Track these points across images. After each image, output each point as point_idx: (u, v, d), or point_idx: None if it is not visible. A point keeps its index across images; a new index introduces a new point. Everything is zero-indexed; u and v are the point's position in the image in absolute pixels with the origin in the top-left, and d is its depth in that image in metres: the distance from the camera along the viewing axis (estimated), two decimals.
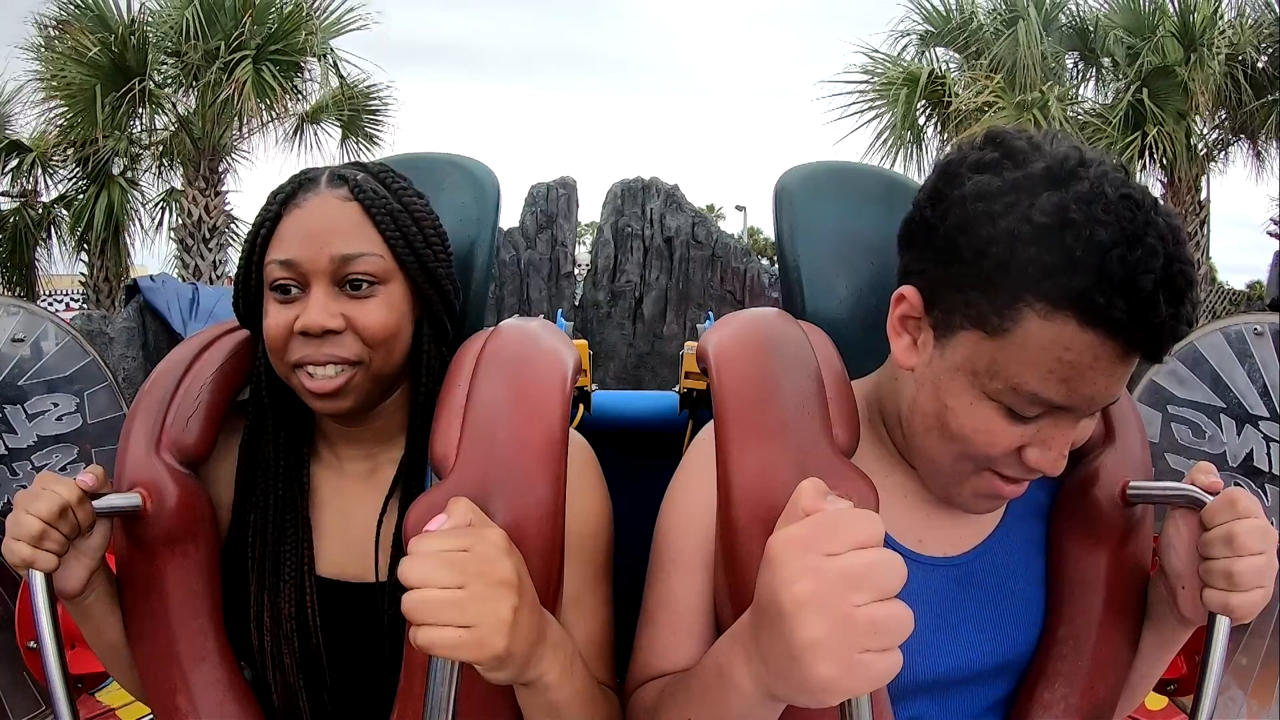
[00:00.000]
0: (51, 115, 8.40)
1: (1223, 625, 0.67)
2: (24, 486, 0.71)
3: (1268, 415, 1.26)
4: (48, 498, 0.69)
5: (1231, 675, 1.18)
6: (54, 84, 8.13)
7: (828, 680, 0.49)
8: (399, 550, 0.79)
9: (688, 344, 1.24)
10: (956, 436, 0.68)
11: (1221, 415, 1.29)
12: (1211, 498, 0.68)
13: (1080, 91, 8.92)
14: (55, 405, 1.29)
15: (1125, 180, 0.62)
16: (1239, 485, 1.26)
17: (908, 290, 0.71)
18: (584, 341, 1.24)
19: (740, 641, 0.58)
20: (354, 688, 0.81)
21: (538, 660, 0.61)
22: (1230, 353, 1.28)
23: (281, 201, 0.80)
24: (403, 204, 0.83)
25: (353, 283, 0.78)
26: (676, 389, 1.34)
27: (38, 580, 0.68)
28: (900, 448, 0.79)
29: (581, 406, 1.31)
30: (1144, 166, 7.99)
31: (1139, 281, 0.58)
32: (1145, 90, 7.86)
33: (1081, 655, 0.76)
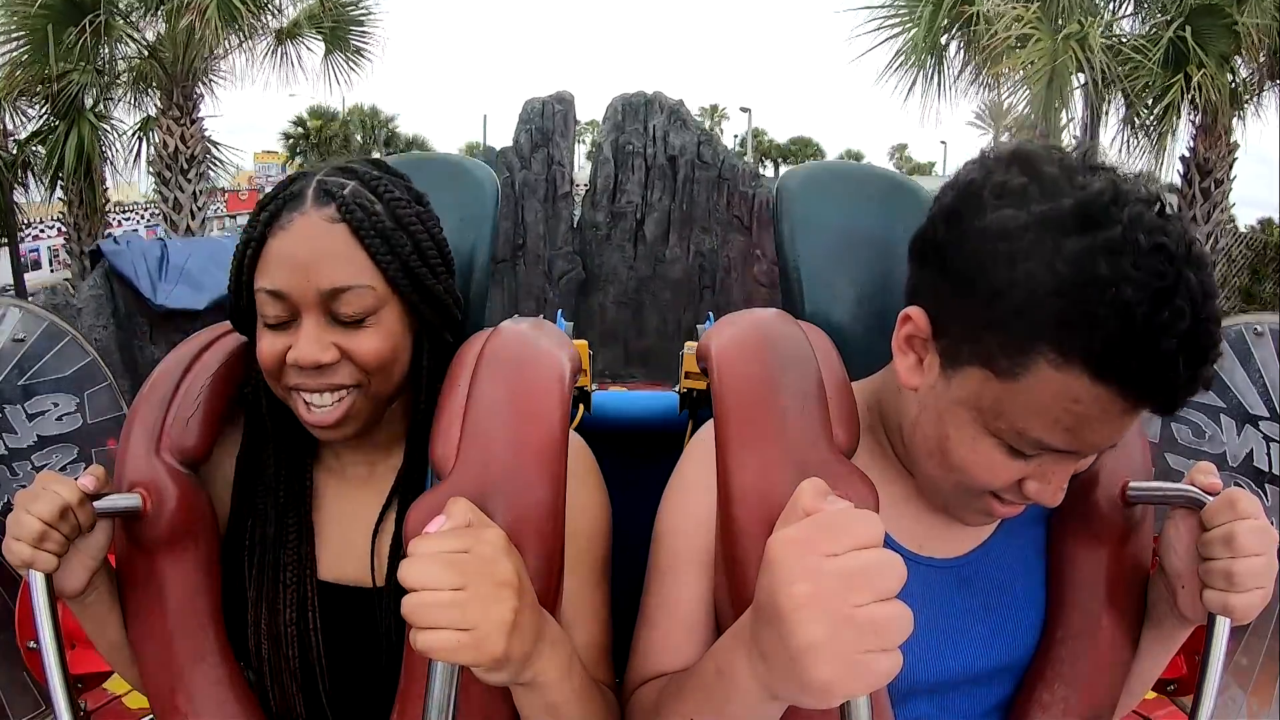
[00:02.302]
0: (14, 55, 7.64)
1: (1222, 626, 0.67)
2: (24, 486, 0.71)
3: (1268, 415, 1.26)
4: (48, 498, 0.69)
5: (1231, 675, 1.18)
6: (13, 23, 7.47)
7: (827, 681, 0.49)
8: (398, 555, 0.79)
9: (688, 344, 1.24)
10: (956, 467, 0.68)
11: (1221, 415, 1.29)
12: (1211, 498, 0.68)
13: (1120, 25, 7.90)
14: (55, 405, 1.29)
15: (1159, 223, 0.57)
16: (1239, 485, 1.26)
17: (915, 312, 0.68)
18: (584, 341, 1.24)
19: (741, 641, 0.58)
20: (351, 692, 0.81)
21: (536, 661, 0.61)
22: (1230, 353, 1.27)
23: (266, 222, 0.76)
24: (396, 218, 0.78)
25: (347, 317, 0.75)
26: (676, 389, 1.34)
27: (38, 580, 0.68)
28: (900, 454, 0.79)
29: (581, 407, 1.31)
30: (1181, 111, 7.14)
31: (1161, 344, 0.56)
32: (1188, 28, 6.84)
33: (1081, 656, 0.76)
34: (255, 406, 0.84)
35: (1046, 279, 0.58)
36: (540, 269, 6.36)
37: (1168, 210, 0.60)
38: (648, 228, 6.59)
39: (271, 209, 0.76)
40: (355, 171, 0.80)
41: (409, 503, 0.80)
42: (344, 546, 0.84)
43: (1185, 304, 0.56)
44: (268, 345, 0.75)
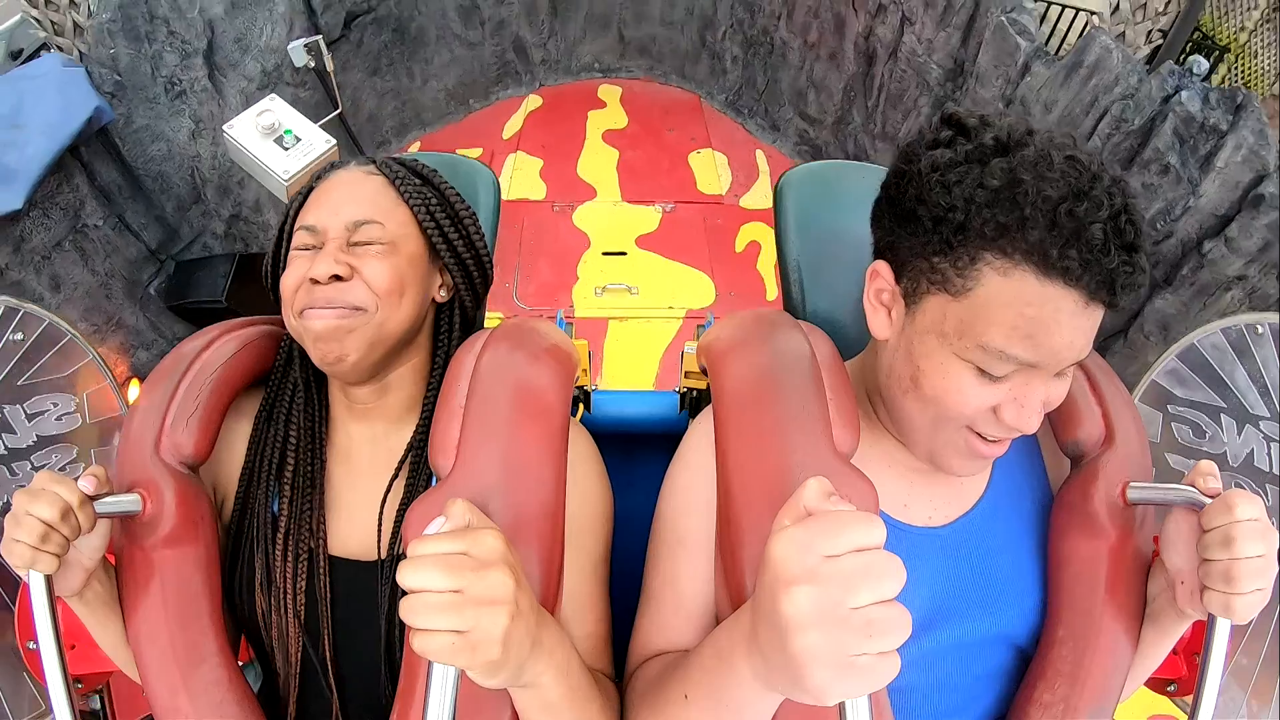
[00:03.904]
0: None
1: (1222, 626, 0.67)
2: (24, 487, 0.71)
3: (1268, 415, 1.26)
4: (50, 499, 0.69)
5: (1231, 675, 1.18)
6: None
7: (824, 683, 0.49)
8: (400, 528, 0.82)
9: (687, 344, 1.25)
10: (931, 398, 0.70)
11: (1222, 415, 1.29)
12: (1211, 500, 0.68)
13: None
14: (55, 405, 1.29)
15: (1071, 144, 0.66)
16: (1240, 485, 1.26)
17: (879, 265, 0.74)
18: (584, 341, 1.25)
19: (740, 633, 0.58)
20: (353, 664, 0.84)
21: (532, 665, 0.61)
22: (1230, 353, 1.27)
23: (315, 178, 0.89)
24: (425, 178, 0.90)
25: (365, 243, 0.83)
26: (676, 389, 1.34)
27: (38, 581, 0.68)
28: (883, 418, 0.81)
29: (581, 406, 1.31)
30: None
31: (1089, 232, 0.62)
32: None
33: (1082, 656, 0.76)
34: (287, 361, 0.91)
35: (979, 194, 0.65)
36: None
37: (1078, 141, 0.67)
38: None
39: (320, 173, 0.90)
40: (397, 158, 0.93)
41: (418, 476, 0.83)
42: (350, 522, 0.86)
43: (1103, 196, 0.63)
44: (292, 271, 0.83)
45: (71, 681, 0.68)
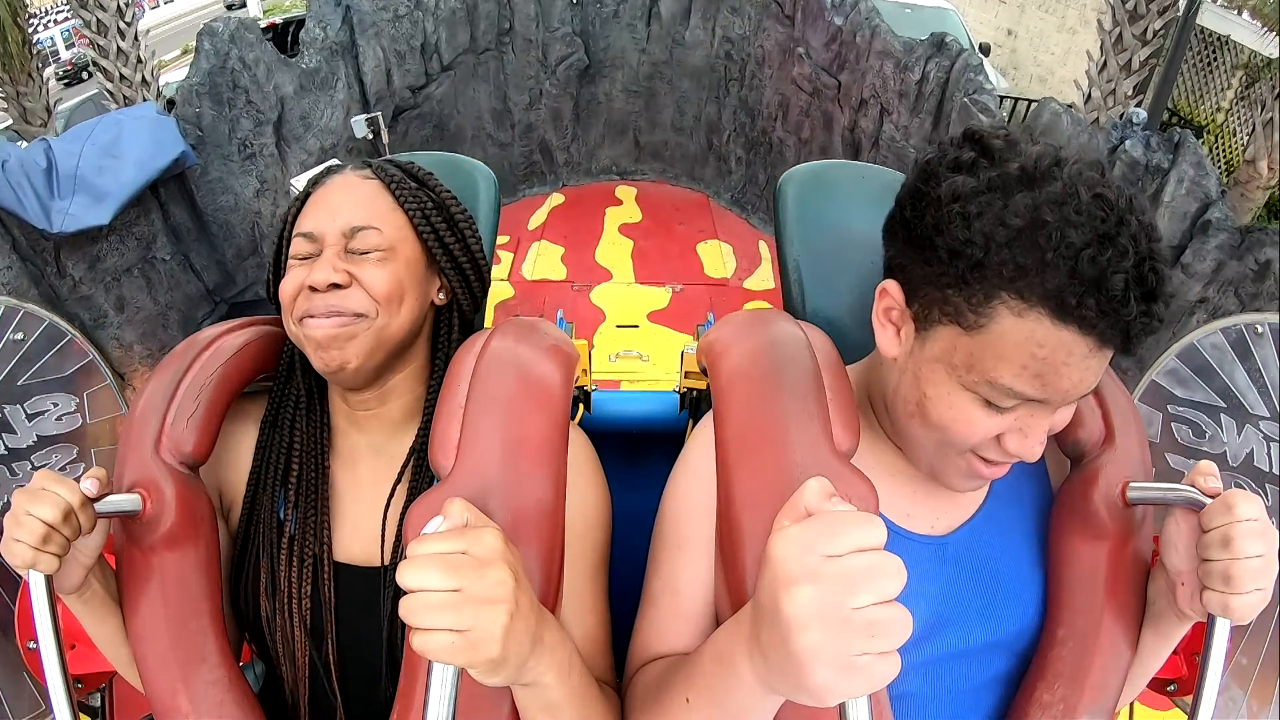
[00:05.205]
0: None
1: (1222, 626, 0.67)
2: (24, 486, 0.70)
3: (1268, 415, 1.26)
4: (51, 500, 0.69)
5: (1231, 675, 1.18)
6: None
7: (825, 683, 0.49)
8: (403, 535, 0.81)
9: (687, 344, 1.25)
10: (936, 425, 0.70)
11: (1222, 415, 1.28)
12: (1211, 500, 0.68)
13: None
14: (55, 405, 1.29)
15: (1100, 179, 0.63)
16: (1240, 485, 1.26)
17: (890, 284, 0.73)
18: (584, 341, 1.25)
19: (740, 635, 0.58)
20: (357, 670, 0.84)
21: (534, 664, 0.61)
22: (1230, 353, 1.27)
23: (311, 185, 0.89)
24: (420, 180, 0.91)
25: (363, 250, 0.83)
26: (676, 389, 1.34)
27: (38, 581, 0.68)
28: (887, 429, 0.80)
29: (581, 406, 1.31)
30: None
31: (1110, 281, 0.60)
32: None
33: (1082, 656, 0.76)
34: (290, 366, 0.91)
35: (999, 232, 0.62)
36: (533, 55, 5.30)
37: (1107, 173, 0.64)
38: (664, 4, 5.32)
39: (316, 178, 0.90)
40: (394, 160, 0.94)
41: (421, 481, 0.83)
42: (354, 529, 0.86)
43: (1128, 243, 0.60)
44: (291, 278, 0.83)
45: (71, 681, 0.68)
